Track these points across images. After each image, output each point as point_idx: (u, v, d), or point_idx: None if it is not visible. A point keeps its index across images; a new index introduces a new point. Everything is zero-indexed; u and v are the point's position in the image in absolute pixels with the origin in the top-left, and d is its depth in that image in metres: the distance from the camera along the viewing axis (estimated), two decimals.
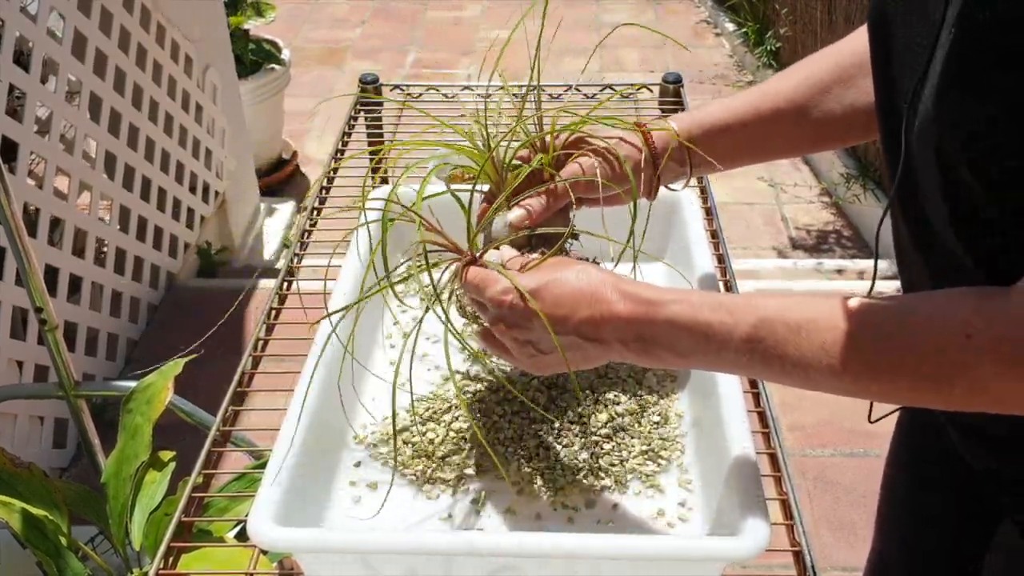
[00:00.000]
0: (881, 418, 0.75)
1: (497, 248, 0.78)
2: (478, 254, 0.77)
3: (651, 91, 1.54)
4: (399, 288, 1.01)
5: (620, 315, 0.66)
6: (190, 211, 2.71)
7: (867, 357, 0.58)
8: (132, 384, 1.27)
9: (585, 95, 1.54)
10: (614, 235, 0.86)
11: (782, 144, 0.86)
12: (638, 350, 0.66)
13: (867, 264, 2.85)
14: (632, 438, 0.86)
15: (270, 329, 1.05)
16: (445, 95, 1.52)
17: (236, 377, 0.96)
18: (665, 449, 0.85)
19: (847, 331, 0.58)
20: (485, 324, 0.75)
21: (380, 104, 1.52)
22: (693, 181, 1.06)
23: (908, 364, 0.56)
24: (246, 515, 0.72)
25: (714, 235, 1.15)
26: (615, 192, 0.81)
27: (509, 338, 0.72)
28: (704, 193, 1.21)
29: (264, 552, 0.84)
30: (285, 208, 3.27)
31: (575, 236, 0.84)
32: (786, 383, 0.62)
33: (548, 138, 0.83)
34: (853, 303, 0.60)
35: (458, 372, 0.95)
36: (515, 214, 0.80)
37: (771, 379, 0.64)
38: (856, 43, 0.81)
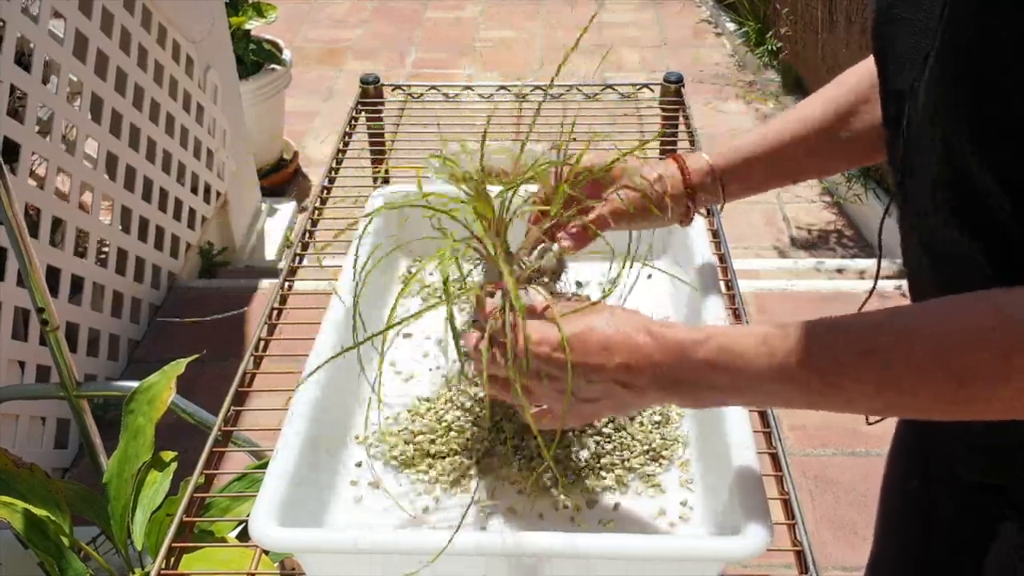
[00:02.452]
0: (879, 420, 0.75)
1: (527, 287, 0.78)
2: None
3: (652, 91, 1.54)
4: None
5: (655, 361, 0.65)
6: (191, 211, 2.71)
7: (897, 371, 0.57)
8: (134, 384, 1.27)
9: (586, 95, 1.54)
10: (619, 238, 0.86)
11: (811, 167, 0.89)
12: (678, 393, 0.66)
13: (868, 263, 2.85)
14: (633, 438, 0.86)
15: (271, 329, 1.05)
16: (446, 95, 1.52)
17: (237, 377, 0.97)
18: (666, 449, 0.85)
19: (875, 348, 0.57)
20: (517, 377, 0.73)
21: (381, 104, 1.52)
22: None
23: (936, 375, 0.56)
24: (248, 515, 0.72)
25: (715, 234, 1.15)
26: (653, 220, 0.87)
27: (549, 389, 0.70)
28: None
29: (266, 552, 0.84)
30: (286, 208, 3.27)
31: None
32: (828, 408, 0.61)
33: (565, 170, 0.84)
34: (876, 317, 0.59)
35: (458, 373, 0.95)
36: (558, 247, 0.84)
37: (812, 406, 0.62)
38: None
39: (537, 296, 0.74)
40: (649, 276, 1.06)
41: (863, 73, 0.83)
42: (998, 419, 0.55)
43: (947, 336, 0.55)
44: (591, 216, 0.86)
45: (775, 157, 0.87)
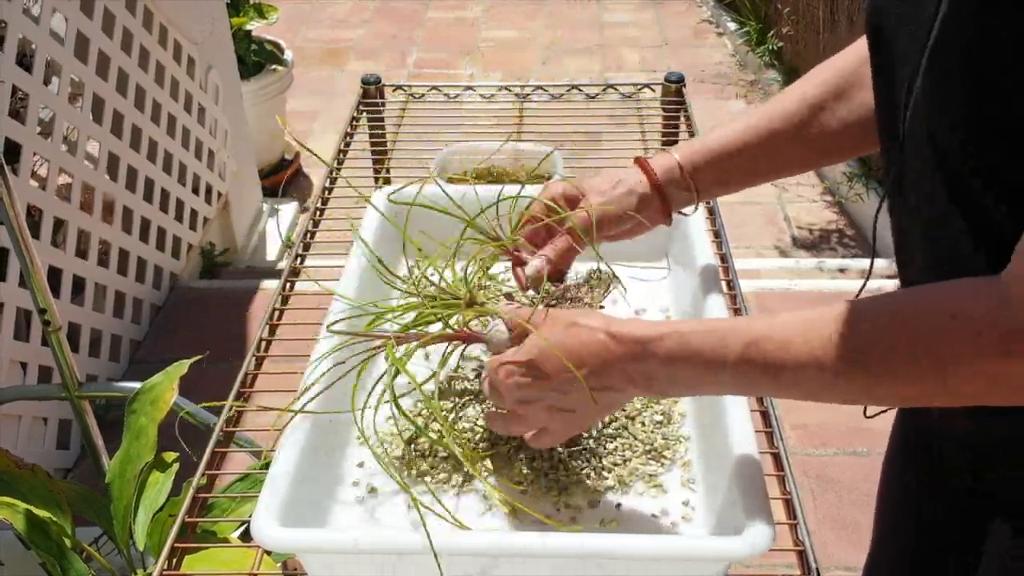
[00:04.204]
0: (878, 414, 0.75)
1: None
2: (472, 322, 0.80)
3: (653, 91, 1.54)
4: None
5: (619, 361, 0.67)
6: (193, 212, 2.71)
7: (862, 357, 0.58)
8: (136, 385, 1.28)
9: (587, 95, 1.54)
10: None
11: (786, 163, 0.88)
12: (646, 386, 0.69)
13: (869, 263, 2.85)
14: (635, 438, 0.86)
15: (273, 330, 1.05)
16: (447, 95, 1.52)
17: (239, 378, 0.97)
18: (668, 449, 0.85)
19: (840, 335, 0.59)
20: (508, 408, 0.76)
21: (382, 104, 1.52)
22: None
23: (904, 356, 0.56)
24: (250, 515, 0.72)
25: (716, 234, 1.15)
26: (626, 228, 0.88)
27: (538, 410, 0.73)
28: None
29: (268, 552, 0.84)
30: (288, 209, 3.27)
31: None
32: (791, 397, 0.63)
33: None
34: (841, 307, 0.60)
35: (458, 373, 0.95)
36: (534, 266, 0.86)
37: (775, 395, 0.64)
38: (850, 57, 0.82)
39: (500, 334, 0.77)
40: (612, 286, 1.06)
41: (839, 67, 0.82)
42: (999, 404, 0.56)
43: (929, 316, 0.56)
44: (547, 248, 0.87)
45: (746, 154, 0.86)
